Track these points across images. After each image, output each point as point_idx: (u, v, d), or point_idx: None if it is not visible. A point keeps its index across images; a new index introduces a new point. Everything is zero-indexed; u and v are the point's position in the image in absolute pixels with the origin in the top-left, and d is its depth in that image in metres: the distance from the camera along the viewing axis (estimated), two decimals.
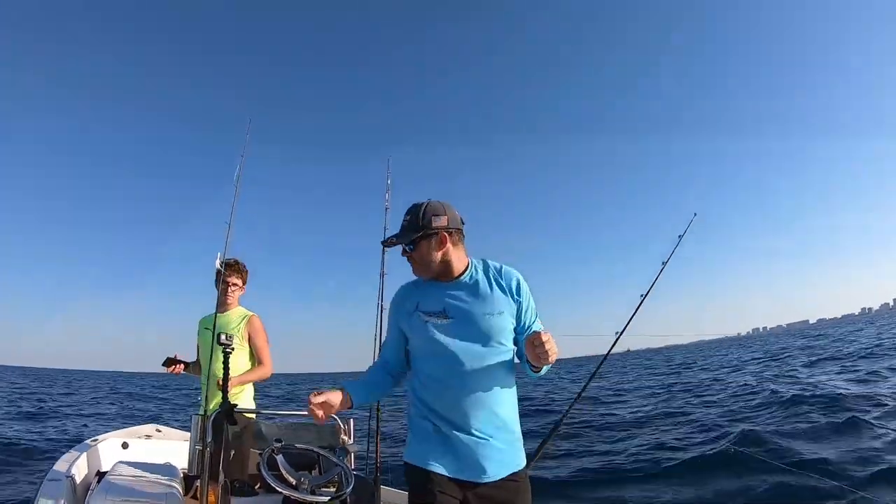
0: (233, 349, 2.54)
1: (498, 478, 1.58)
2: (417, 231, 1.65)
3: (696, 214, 2.83)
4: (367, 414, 2.73)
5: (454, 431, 1.58)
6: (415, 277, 1.76)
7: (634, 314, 2.53)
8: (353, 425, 2.88)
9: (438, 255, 1.65)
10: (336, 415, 2.86)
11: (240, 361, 3.07)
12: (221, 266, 2.94)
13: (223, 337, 2.50)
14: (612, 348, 2.45)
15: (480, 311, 1.62)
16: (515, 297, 1.68)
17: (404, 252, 1.71)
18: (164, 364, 3.05)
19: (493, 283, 1.69)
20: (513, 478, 1.61)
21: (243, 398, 3.07)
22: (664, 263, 2.69)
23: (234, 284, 3.17)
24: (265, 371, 3.13)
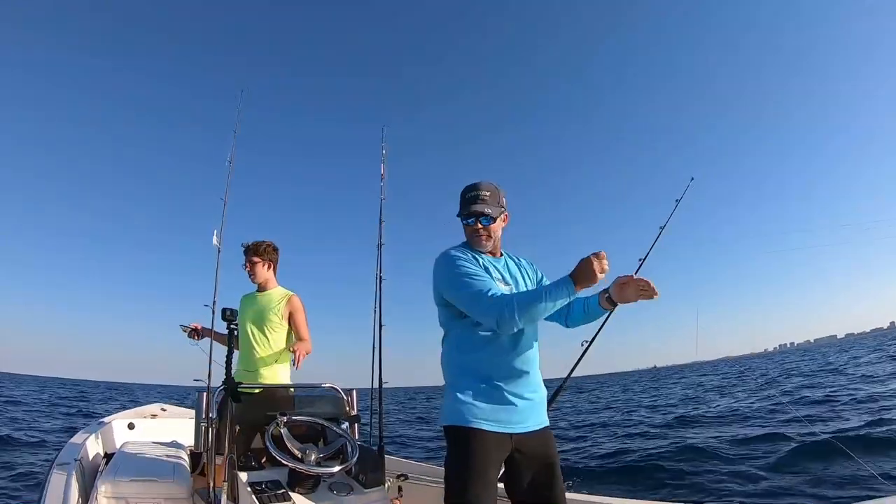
0: (237, 324, 2.56)
1: (541, 427, 1.78)
2: (500, 207, 1.86)
3: (693, 178, 2.81)
4: (369, 385, 2.75)
5: (513, 389, 1.71)
6: (456, 246, 1.88)
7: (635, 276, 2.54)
8: (356, 396, 2.91)
9: (501, 232, 1.90)
10: (338, 386, 2.90)
11: (279, 339, 3.20)
12: (219, 244, 2.94)
13: (228, 312, 2.51)
14: (609, 314, 2.45)
15: (525, 283, 1.92)
16: (536, 272, 2.02)
17: (477, 224, 1.83)
18: (183, 328, 3.18)
19: (520, 261, 2.00)
20: (546, 429, 1.81)
21: (281, 375, 3.18)
22: (661, 228, 2.68)
23: (252, 262, 3.24)
24: (309, 346, 3.18)
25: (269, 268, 3.28)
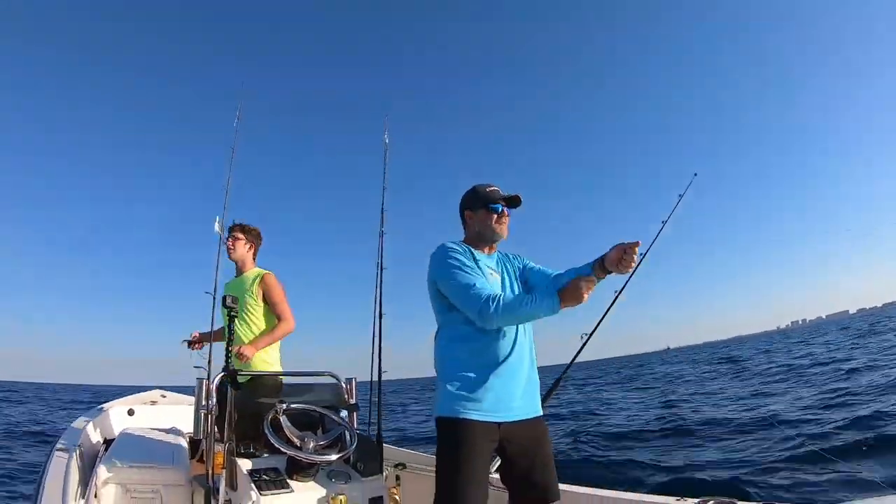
0: (237, 313, 2.52)
1: (535, 415, 1.85)
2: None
3: (696, 174, 2.80)
4: (367, 374, 2.76)
5: (503, 379, 1.76)
6: (454, 241, 1.95)
7: (633, 272, 2.53)
8: (355, 384, 2.92)
9: None
10: (336, 374, 2.91)
11: (257, 321, 3.08)
12: (221, 231, 2.92)
13: (228, 300, 2.49)
14: (612, 305, 2.46)
15: (514, 273, 2.01)
16: (521, 261, 2.09)
17: (506, 213, 1.95)
18: (188, 345, 3.20)
19: (507, 255, 2.07)
20: (539, 419, 1.87)
21: (271, 357, 3.08)
22: (664, 223, 2.67)
23: (235, 238, 3.15)
24: (286, 326, 3.07)
25: (249, 248, 3.21)
